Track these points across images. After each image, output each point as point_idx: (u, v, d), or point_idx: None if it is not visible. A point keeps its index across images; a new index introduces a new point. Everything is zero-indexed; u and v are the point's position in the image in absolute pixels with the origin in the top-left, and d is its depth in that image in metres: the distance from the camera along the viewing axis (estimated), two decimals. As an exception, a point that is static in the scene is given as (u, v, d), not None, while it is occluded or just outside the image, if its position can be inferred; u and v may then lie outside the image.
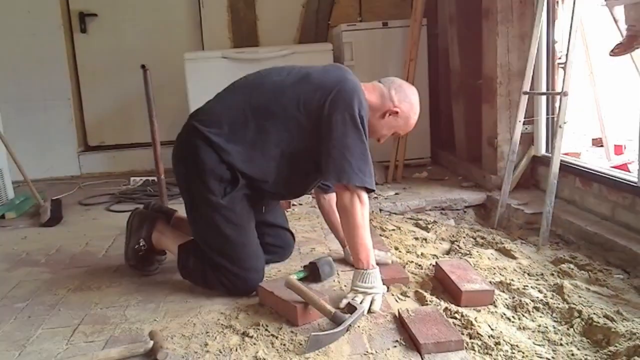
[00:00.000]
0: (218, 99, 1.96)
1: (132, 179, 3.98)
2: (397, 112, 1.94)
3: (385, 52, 3.90)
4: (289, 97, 1.85)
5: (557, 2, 3.00)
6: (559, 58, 2.98)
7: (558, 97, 2.52)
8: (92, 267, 2.29)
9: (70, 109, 4.39)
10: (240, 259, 1.88)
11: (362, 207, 1.79)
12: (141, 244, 2.09)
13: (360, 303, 1.71)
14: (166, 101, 3.94)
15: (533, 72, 2.81)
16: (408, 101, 1.96)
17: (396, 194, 3.30)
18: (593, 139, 4.15)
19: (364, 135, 1.80)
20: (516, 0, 3.02)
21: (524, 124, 2.86)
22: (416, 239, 2.62)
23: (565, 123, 2.48)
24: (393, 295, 1.92)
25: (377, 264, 1.85)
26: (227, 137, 1.84)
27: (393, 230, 2.74)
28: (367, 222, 1.81)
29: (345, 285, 1.94)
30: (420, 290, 1.94)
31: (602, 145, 3.70)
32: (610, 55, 2.82)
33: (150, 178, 3.86)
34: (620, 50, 2.75)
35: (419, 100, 2.01)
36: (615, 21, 2.86)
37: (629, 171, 3.03)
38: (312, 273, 2.00)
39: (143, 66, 2.76)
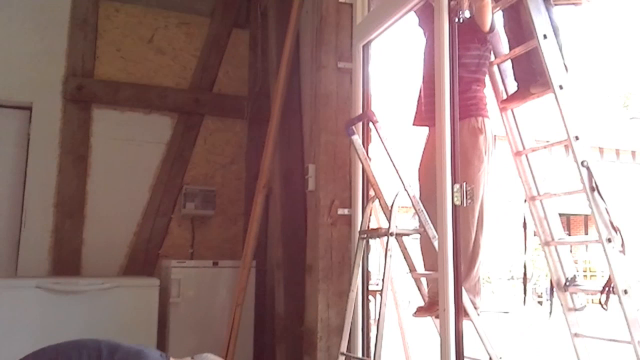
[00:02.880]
0: None
1: None
2: None
3: (213, 291, 3.93)
4: None
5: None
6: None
7: (371, 362, 2.67)
8: None
9: None
10: None
11: None
12: None
13: None
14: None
15: (350, 332, 2.98)
16: None
17: None
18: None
19: None
20: (335, 261, 3.30)
21: (343, 380, 2.94)
22: None
23: (378, 392, 2.59)
24: None
25: None
26: None
27: None
28: None
29: None
30: None
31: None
32: (414, 316, 3.13)
33: None
34: (420, 313, 3.06)
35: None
36: (419, 287, 3.22)
37: None
38: None
39: None
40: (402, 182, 2.74)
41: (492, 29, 2.94)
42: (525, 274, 7.10)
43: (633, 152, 18.44)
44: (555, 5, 3.51)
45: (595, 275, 14.49)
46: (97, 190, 4.35)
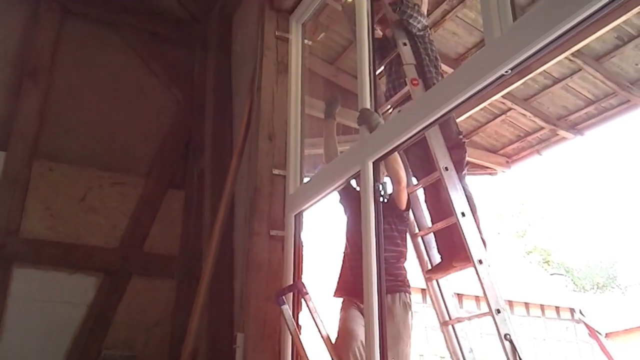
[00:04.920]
0: None
1: None
2: None
3: None
4: None
5: None
6: None
7: None
8: None
9: None
10: None
11: None
12: None
13: None
14: None
15: None
16: None
17: None
18: None
19: None
20: None
21: None
22: None
23: None
24: None
25: None
26: None
27: None
28: None
29: None
30: None
31: None
32: None
33: None
34: None
35: None
36: None
37: None
38: None
39: None
40: (332, 356, 2.71)
41: (408, 207, 3.14)
42: None
43: (557, 308, 19.01)
44: (472, 175, 3.82)
45: None
46: (7, 355, 4.01)
